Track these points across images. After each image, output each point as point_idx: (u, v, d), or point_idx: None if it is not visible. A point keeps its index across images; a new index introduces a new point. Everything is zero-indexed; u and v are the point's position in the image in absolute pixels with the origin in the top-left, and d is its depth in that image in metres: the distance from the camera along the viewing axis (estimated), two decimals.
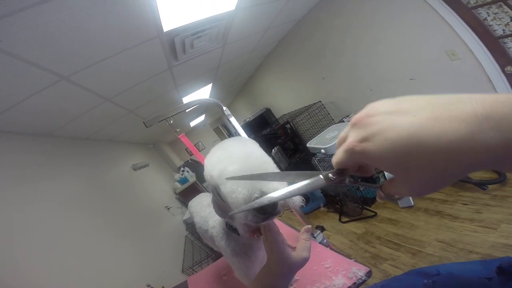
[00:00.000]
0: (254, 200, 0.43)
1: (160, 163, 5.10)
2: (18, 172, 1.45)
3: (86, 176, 2.15)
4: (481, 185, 1.80)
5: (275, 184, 0.46)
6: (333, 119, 3.33)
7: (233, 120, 1.24)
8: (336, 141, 0.31)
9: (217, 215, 0.69)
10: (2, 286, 0.98)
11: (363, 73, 2.69)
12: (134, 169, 3.23)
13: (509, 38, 1.73)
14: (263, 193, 0.44)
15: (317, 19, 2.83)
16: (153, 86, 2.28)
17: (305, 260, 0.51)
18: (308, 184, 0.33)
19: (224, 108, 1.23)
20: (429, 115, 0.21)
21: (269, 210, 0.44)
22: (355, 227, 2.33)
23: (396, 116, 0.23)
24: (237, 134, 1.26)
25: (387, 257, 1.80)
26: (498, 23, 1.73)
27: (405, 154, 0.22)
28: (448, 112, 0.21)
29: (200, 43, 1.93)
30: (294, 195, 0.33)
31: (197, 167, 5.31)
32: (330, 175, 0.31)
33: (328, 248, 1.00)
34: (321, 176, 0.32)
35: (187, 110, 1.24)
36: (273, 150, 3.38)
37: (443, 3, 1.85)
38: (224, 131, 8.90)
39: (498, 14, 1.71)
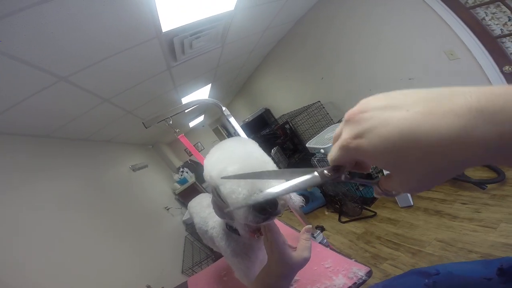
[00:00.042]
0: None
1: (159, 164, 5.09)
2: (18, 173, 1.45)
3: (85, 177, 2.15)
4: (480, 184, 1.80)
5: (274, 183, 0.46)
6: (332, 119, 3.33)
7: (232, 120, 1.24)
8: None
9: (217, 216, 0.69)
10: (2, 286, 0.98)
11: (362, 73, 2.69)
12: (133, 170, 3.23)
13: (507, 37, 1.73)
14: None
15: (315, 19, 2.83)
16: (152, 86, 2.28)
17: (305, 260, 0.51)
18: (303, 181, 0.32)
19: (224, 108, 1.23)
20: (423, 109, 0.21)
21: (269, 210, 0.44)
22: (355, 227, 2.33)
23: (389, 111, 0.23)
24: (237, 134, 1.26)
25: (387, 257, 1.81)
26: (496, 22, 1.73)
27: (398, 151, 0.22)
28: (441, 106, 0.20)
29: (199, 44, 1.93)
30: (289, 192, 0.33)
31: (196, 167, 5.31)
32: (326, 171, 0.31)
33: (328, 248, 1.00)
34: (316, 173, 0.32)
35: (186, 111, 1.24)
36: (272, 151, 3.38)
37: (442, 3, 1.85)
38: (223, 132, 8.89)
39: (496, 14, 1.71)
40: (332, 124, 3.00)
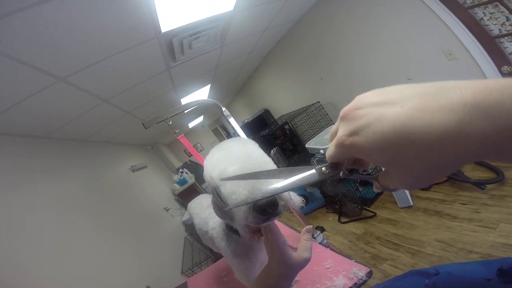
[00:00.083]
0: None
1: (158, 165, 5.08)
2: (18, 174, 1.45)
3: (84, 178, 2.14)
4: (480, 184, 1.80)
5: (274, 183, 0.46)
6: (331, 120, 3.33)
7: (232, 120, 1.24)
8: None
9: (217, 216, 0.69)
10: (2, 286, 0.98)
11: (361, 73, 2.69)
12: (132, 171, 3.22)
13: (506, 37, 1.74)
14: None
15: (315, 19, 2.84)
16: (151, 87, 2.28)
17: (306, 261, 0.51)
18: (302, 178, 0.32)
19: (223, 108, 1.23)
20: (417, 105, 0.21)
21: (269, 211, 0.44)
22: (355, 227, 2.33)
23: (383, 107, 0.22)
24: (236, 135, 1.26)
25: (387, 257, 1.80)
26: (494, 22, 1.74)
27: (393, 147, 0.21)
28: (436, 102, 0.20)
29: (199, 44, 1.93)
30: (287, 190, 0.33)
31: (196, 168, 5.30)
32: (324, 169, 0.31)
33: (328, 249, 0.99)
34: (314, 170, 0.32)
35: (186, 111, 1.23)
36: (271, 151, 3.38)
37: (440, 3, 1.86)
38: (223, 132, 8.89)
39: (494, 14, 1.72)
40: (331, 125, 3.00)
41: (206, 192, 3.16)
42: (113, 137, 3.07)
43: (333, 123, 3.11)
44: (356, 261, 0.82)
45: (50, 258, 1.29)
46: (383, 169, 0.28)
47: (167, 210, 3.42)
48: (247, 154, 0.52)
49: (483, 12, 1.75)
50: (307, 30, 3.02)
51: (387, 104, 0.22)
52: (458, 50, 1.89)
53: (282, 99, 4.44)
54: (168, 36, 1.62)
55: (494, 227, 1.52)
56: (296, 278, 0.85)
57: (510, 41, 1.74)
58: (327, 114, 3.35)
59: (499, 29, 1.73)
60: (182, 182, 4.42)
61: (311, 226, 0.58)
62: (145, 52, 1.64)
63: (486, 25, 1.77)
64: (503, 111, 0.17)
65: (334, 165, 0.30)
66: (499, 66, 1.78)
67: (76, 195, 1.86)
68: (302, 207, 0.62)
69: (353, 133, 0.24)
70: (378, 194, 2.52)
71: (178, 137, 1.25)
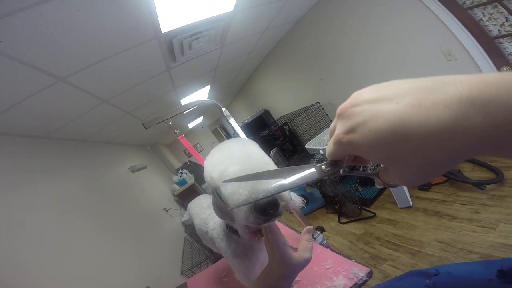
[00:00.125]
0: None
1: (158, 165, 5.08)
2: (18, 174, 1.45)
3: (84, 178, 2.14)
4: (479, 185, 1.80)
5: (275, 183, 0.46)
6: (331, 120, 3.32)
7: (232, 121, 1.24)
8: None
9: (217, 217, 0.69)
10: (2, 286, 0.98)
11: (361, 73, 2.70)
12: (132, 171, 3.22)
13: (505, 38, 1.74)
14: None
15: (315, 19, 2.84)
16: (151, 87, 2.28)
17: (307, 261, 0.51)
18: (302, 177, 0.32)
19: (224, 109, 1.23)
20: (412, 101, 0.20)
21: (270, 212, 0.44)
22: (354, 228, 2.33)
23: (379, 104, 0.22)
24: (236, 135, 1.26)
25: (387, 258, 1.80)
26: (493, 23, 1.74)
27: (390, 144, 0.21)
28: (431, 97, 0.20)
29: (199, 45, 1.93)
30: (288, 189, 0.33)
31: (195, 169, 5.30)
32: (323, 167, 0.31)
33: (328, 249, 0.99)
34: (314, 169, 0.32)
35: (186, 112, 1.24)
36: (271, 152, 3.38)
37: (439, 3, 1.86)
38: (223, 133, 8.89)
39: (493, 15, 1.72)
40: None
41: (206, 193, 3.15)
42: (113, 137, 3.07)
43: None
44: (356, 261, 0.82)
45: (50, 258, 1.28)
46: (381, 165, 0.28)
47: (167, 210, 3.42)
48: (248, 155, 0.52)
49: (483, 13, 1.76)
50: (307, 30, 3.02)
51: (383, 101, 0.22)
52: (457, 50, 1.90)
53: (282, 100, 4.44)
54: (168, 36, 1.62)
55: (493, 228, 1.52)
56: (296, 279, 0.85)
57: (509, 42, 1.75)
58: (327, 114, 3.35)
59: (499, 30, 1.74)
60: (181, 182, 4.42)
61: (311, 227, 0.58)
62: (145, 52, 1.64)
63: (486, 26, 1.78)
64: (500, 105, 0.17)
65: (334, 163, 0.30)
66: (498, 67, 1.78)
67: (76, 195, 1.86)
68: (303, 207, 0.62)
69: (350, 130, 0.24)
70: (378, 195, 2.52)
71: (178, 138, 1.25)
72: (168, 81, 2.39)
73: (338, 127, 0.26)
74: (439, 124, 0.19)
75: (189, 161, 6.07)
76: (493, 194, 1.73)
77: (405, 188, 2.13)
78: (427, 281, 0.49)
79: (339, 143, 0.26)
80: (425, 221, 1.89)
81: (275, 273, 0.51)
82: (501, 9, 1.67)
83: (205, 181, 0.56)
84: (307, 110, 3.38)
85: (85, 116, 1.95)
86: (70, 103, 1.66)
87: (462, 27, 1.83)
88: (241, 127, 1.25)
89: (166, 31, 1.53)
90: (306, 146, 2.66)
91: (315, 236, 1.09)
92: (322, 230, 1.13)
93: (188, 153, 6.60)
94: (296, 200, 0.60)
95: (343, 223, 2.46)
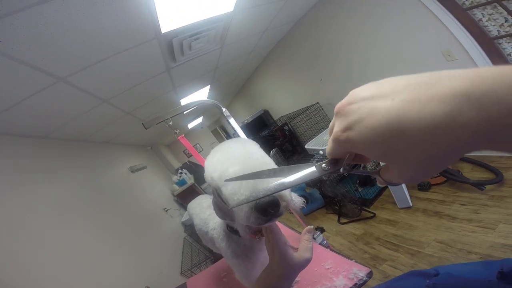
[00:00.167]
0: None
1: (158, 165, 5.08)
2: (18, 174, 1.45)
3: (84, 178, 2.14)
4: (479, 185, 1.81)
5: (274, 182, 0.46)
6: (331, 121, 3.33)
7: (232, 121, 1.24)
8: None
9: (217, 217, 0.69)
10: (2, 286, 0.98)
11: (361, 73, 2.70)
12: (131, 171, 3.22)
13: (504, 39, 1.75)
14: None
15: (315, 19, 2.85)
16: (151, 87, 2.28)
17: (307, 261, 0.51)
18: (303, 176, 0.32)
19: (224, 109, 1.23)
20: (408, 97, 0.20)
21: (271, 212, 0.44)
22: (354, 228, 2.33)
23: (375, 101, 0.22)
24: (236, 135, 1.26)
25: (386, 258, 1.81)
26: (493, 23, 1.75)
27: (387, 141, 0.21)
28: (426, 93, 0.20)
29: (198, 45, 1.93)
30: (288, 187, 0.32)
31: (195, 169, 5.30)
32: (324, 165, 0.31)
33: (328, 249, 1.00)
34: (314, 167, 0.32)
35: (185, 112, 1.24)
36: (271, 152, 3.38)
37: (439, 4, 1.86)
38: (222, 133, 8.89)
39: (493, 15, 1.73)
40: None
41: (206, 193, 3.15)
42: (113, 137, 3.07)
43: None
44: (356, 261, 0.83)
45: (50, 258, 1.28)
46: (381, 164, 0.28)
47: (166, 210, 3.41)
48: (248, 155, 0.52)
49: (482, 13, 1.76)
50: (307, 30, 3.02)
51: (379, 98, 0.22)
52: (457, 51, 1.90)
53: (282, 100, 4.44)
54: (168, 36, 1.62)
55: (493, 228, 1.52)
56: (296, 279, 0.85)
57: (508, 42, 1.75)
58: (327, 115, 3.35)
59: (498, 30, 1.74)
60: (181, 182, 4.42)
61: (312, 227, 0.58)
62: (145, 52, 1.64)
63: (485, 26, 1.78)
64: (494, 99, 0.17)
65: (334, 161, 0.30)
66: None
67: (76, 195, 1.86)
68: (303, 207, 0.62)
69: (347, 128, 0.24)
70: (378, 195, 2.52)
71: (179, 138, 1.25)
72: (168, 81, 2.39)
73: (336, 125, 0.26)
74: (434, 119, 0.19)
75: (188, 161, 6.07)
76: (492, 194, 1.74)
77: (404, 188, 2.13)
78: (427, 281, 0.49)
79: (337, 141, 0.26)
80: (424, 222, 1.89)
81: (275, 273, 0.51)
82: (501, 9, 1.67)
83: (205, 181, 0.56)
84: (306, 111, 3.38)
85: (85, 116, 1.95)
86: (70, 103, 1.66)
87: (462, 27, 1.83)
88: (241, 128, 1.25)
89: (166, 31, 1.53)
90: (306, 146, 2.66)
91: (315, 237, 1.09)
92: (322, 230, 1.13)
93: (188, 153, 6.60)
94: (296, 200, 0.60)
95: (343, 224, 2.47)
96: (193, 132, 7.73)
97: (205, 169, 0.56)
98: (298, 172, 0.33)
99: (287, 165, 0.35)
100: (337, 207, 2.60)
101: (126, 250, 1.97)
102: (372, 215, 2.31)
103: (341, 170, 0.31)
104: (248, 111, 5.57)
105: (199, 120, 6.40)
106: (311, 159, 2.63)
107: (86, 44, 1.23)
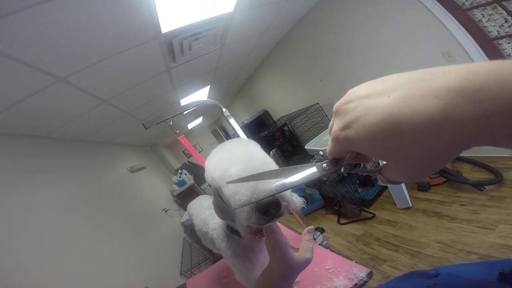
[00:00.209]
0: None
1: (157, 166, 5.07)
2: (18, 174, 1.45)
3: (84, 178, 2.14)
4: (478, 186, 1.81)
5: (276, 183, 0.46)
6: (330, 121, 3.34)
7: (232, 121, 1.24)
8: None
9: (217, 217, 0.69)
10: (2, 286, 0.98)
11: (360, 74, 2.70)
12: (131, 172, 3.21)
13: (504, 39, 1.75)
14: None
15: (315, 20, 2.85)
16: (151, 87, 2.28)
17: (308, 261, 0.51)
18: (304, 176, 0.32)
19: (224, 109, 1.23)
20: (403, 94, 0.20)
21: (272, 212, 0.44)
22: (354, 228, 2.33)
23: (372, 99, 0.22)
24: (236, 135, 1.26)
25: (386, 258, 1.81)
26: (493, 24, 1.75)
27: (384, 138, 0.21)
28: (421, 89, 0.20)
29: (198, 45, 1.93)
30: (289, 188, 0.32)
31: (195, 169, 5.30)
32: (324, 165, 0.31)
33: (328, 250, 0.99)
34: (315, 167, 0.32)
35: (185, 112, 1.23)
36: (271, 152, 3.38)
37: (439, 4, 1.87)
38: (222, 133, 8.89)
39: (492, 16, 1.73)
40: None
41: (205, 193, 3.15)
42: (113, 137, 3.06)
43: None
44: (356, 261, 0.83)
45: (50, 258, 1.28)
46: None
47: (166, 211, 3.41)
48: (249, 155, 0.51)
49: (482, 14, 1.77)
50: (307, 31, 3.02)
51: (375, 96, 0.22)
52: (457, 51, 1.90)
53: (282, 100, 4.44)
54: (168, 36, 1.62)
55: (493, 228, 1.52)
56: (296, 279, 0.85)
57: (508, 43, 1.76)
58: (327, 115, 3.35)
59: (498, 31, 1.75)
60: (181, 183, 4.41)
61: (312, 227, 0.58)
62: (145, 52, 1.64)
63: (485, 27, 1.78)
64: (489, 94, 0.17)
65: (335, 161, 0.30)
66: None
67: (76, 195, 1.86)
68: (303, 208, 0.62)
69: (345, 127, 0.24)
70: (377, 195, 2.52)
71: (179, 138, 1.25)
72: (168, 81, 2.39)
73: (335, 124, 0.26)
74: (430, 114, 0.19)
75: (188, 161, 6.07)
76: (492, 195, 1.74)
77: (404, 188, 2.13)
78: (428, 282, 0.49)
79: (336, 140, 0.26)
80: (424, 222, 1.89)
81: (276, 273, 0.51)
82: (500, 10, 1.68)
83: (205, 181, 0.56)
84: (306, 111, 3.38)
85: (84, 116, 1.95)
86: (70, 103, 1.65)
87: (462, 28, 1.84)
88: (241, 128, 1.25)
89: (166, 31, 1.53)
90: (306, 147, 2.66)
91: (315, 237, 1.09)
92: (322, 230, 1.13)
93: (188, 153, 6.60)
94: (296, 200, 0.60)
95: (343, 224, 2.47)
96: (193, 132, 7.73)
97: (205, 169, 0.55)
98: (299, 172, 0.33)
99: (287, 165, 0.35)
100: (336, 208, 2.60)
101: (126, 250, 1.97)
102: (372, 215, 2.31)
103: (342, 169, 0.31)
104: (248, 112, 5.57)
105: (199, 120, 6.40)
106: (311, 160, 2.64)
107: (86, 44, 1.23)
